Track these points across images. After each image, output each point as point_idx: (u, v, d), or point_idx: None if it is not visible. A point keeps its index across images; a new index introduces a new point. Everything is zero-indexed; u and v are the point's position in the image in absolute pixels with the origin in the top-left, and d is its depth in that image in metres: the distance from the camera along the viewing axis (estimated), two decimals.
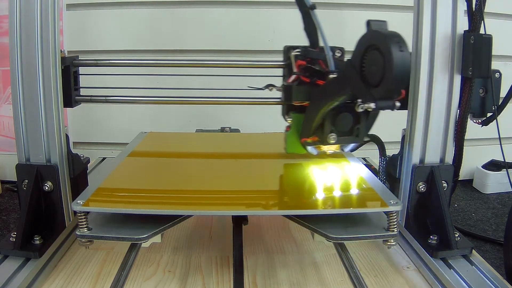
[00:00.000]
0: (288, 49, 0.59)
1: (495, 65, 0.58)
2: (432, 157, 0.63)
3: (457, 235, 0.60)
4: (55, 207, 0.61)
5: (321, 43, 0.53)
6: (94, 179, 0.61)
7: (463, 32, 0.59)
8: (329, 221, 0.52)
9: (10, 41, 0.57)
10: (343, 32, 1.09)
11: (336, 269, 0.61)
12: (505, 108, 0.62)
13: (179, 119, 1.15)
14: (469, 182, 1.20)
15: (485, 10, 0.58)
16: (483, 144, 1.17)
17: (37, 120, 0.59)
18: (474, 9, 0.58)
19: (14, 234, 0.58)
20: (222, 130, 0.88)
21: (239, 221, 0.60)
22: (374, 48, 0.43)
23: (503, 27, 1.10)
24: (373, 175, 0.62)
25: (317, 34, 0.55)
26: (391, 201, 0.52)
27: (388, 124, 0.92)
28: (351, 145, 0.57)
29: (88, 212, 0.50)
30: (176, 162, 0.69)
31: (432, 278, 0.57)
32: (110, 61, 0.66)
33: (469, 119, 0.62)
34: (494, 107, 0.62)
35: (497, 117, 0.62)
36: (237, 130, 0.88)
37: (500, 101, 0.62)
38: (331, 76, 0.52)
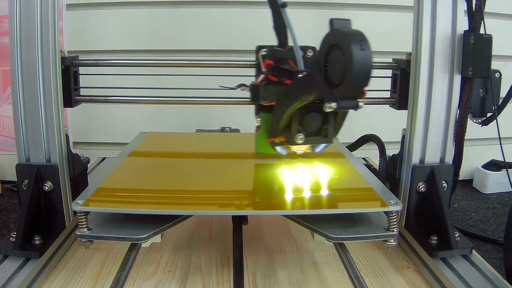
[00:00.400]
0: (259, 49, 0.59)
1: (495, 65, 0.58)
2: (432, 157, 0.63)
3: (457, 235, 0.60)
4: (55, 207, 0.61)
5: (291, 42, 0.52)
6: (94, 179, 0.61)
7: (463, 32, 0.59)
8: (329, 221, 0.52)
9: (10, 41, 0.57)
10: None
11: (336, 269, 0.61)
12: (505, 108, 0.62)
13: (179, 119, 1.15)
14: (469, 182, 1.20)
15: (485, 10, 0.58)
16: (483, 144, 1.17)
17: (37, 120, 0.59)
18: (474, 9, 0.58)
19: (14, 234, 0.58)
20: (222, 130, 0.88)
21: (239, 221, 0.60)
22: (337, 47, 0.42)
23: (503, 27, 1.10)
24: (373, 175, 0.62)
25: (286, 33, 0.55)
26: (391, 201, 0.52)
27: (388, 124, 0.92)
28: (322, 145, 0.56)
29: (88, 212, 0.50)
30: (176, 162, 0.69)
31: (432, 278, 0.58)
32: (110, 61, 0.66)
33: (469, 119, 0.62)
34: (494, 107, 0.62)
35: (497, 117, 0.62)
36: (237, 130, 0.88)
37: (500, 101, 0.62)
38: (299, 75, 0.51)
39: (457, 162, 0.64)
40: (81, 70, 0.67)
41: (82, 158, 0.68)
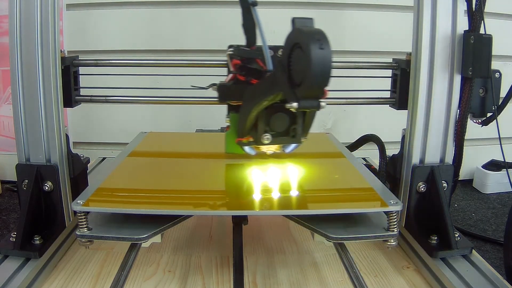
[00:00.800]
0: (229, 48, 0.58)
1: (495, 65, 0.58)
2: (432, 157, 0.63)
3: (457, 235, 0.60)
4: (55, 207, 0.61)
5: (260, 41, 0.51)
6: (94, 179, 0.61)
7: (463, 32, 0.59)
8: (329, 221, 0.52)
9: (10, 41, 0.57)
10: (343, 32, 1.09)
11: (336, 269, 0.61)
12: (505, 108, 0.62)
13: (179, 119, 1.15)
14: (469, 182, 1.20)
15: (485, 10, 0.58)
16: (483, 144, 1.17)
17: (37, 120, 0.59)
18: (474, 9, 0.58)
19: (14, 234, 0.58)
20: (222, 130, 0.87)
21: (239, 221, 0.60)
22: (298, 47, 0.42)
23: (503, 27, 1.10)
24: (373, 175, 0.62)
25: (255, 32, 0.54)
26: (391, 201, 0.52)
27: (388, 124, 0.92)
28: (292, 146, 0.55)
29: (88, 212, 0.50)
30: (176, 162, 0.68)
31: (432, 278, 0.58)
32: (110, 61, 0.66)
33: (469, 119, 0.62)
34: (494, 107, 0.62)
35: (497, 117, 0.62)
36: None
37: (500, 101, 0.62)
38: (266, 75, 0.50)
39: (457, 162, 0.64)
40: (81, 70, 0.67)
41: (82, 158, 0.68)
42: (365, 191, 0.57)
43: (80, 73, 0.66)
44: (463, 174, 1.18)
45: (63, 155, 0.61)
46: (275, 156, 0.62)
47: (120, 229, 0.50)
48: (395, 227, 0.51)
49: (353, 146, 0.82)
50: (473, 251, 0.60)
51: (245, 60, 0.55)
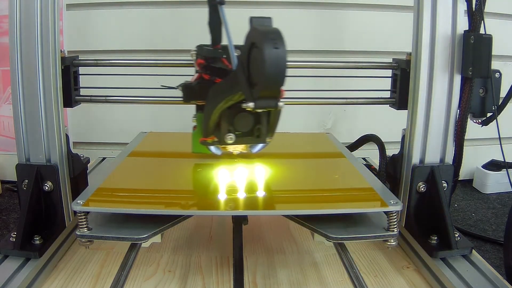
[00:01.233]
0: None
1: (495, 65, 0.58)
2: (432, 157, 0.63)
3: (457, 235, 0.60)
4: (55, 207, 0.61)
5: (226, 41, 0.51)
6: (94, 179, 0.61)
7: (463, 32, 0.59)
8: (329, 221, 0.52)
9: (10, 41, 0.57)
10: (343, 32, 1.09)
11: (336, 269, 0.61)
12: (505, 108, 0.62)
13: (179, 119, 1.15)
14: (469, 182, 1.20)
15: (485, 10, 0.58)
16: (483, 144, 1.17)
17: (37, 120, 0.59)
18: (474, 9, 0.58)
19: (14, 234, 0.58)
20: None
21: (239, 221, 0.59)
22: (255, 46, 0.42)
23: (503, 27, 1.10)
24: (373, 175, 0.62)
25: (221, 31, 0.54)
26: (391, 201, 0.52)
27: (388, 124, 0.92)
28: (259, 146, 0.55)
29: (88, 212, 0.50)
30: (176, 162, 0.68)
31: (432, 278, 0.58)
32: (110, 61, 0.66)
33: (469, 119, 0.62)
34: (494, 107, 0.62)
35: (497, 117, 0.62)
36: None
37: (500, 101, 0.62)
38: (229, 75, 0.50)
39: (457, 162, 0.64)
40: (81, 70, 0.66)
41: (82, 158, 0.68)
42: (365, 191, 0.57)
43: (80, 73, 0.66)
44: (463, 174, 1.18)
45: (63, 155, 0.61)
46: (274, 156, 0.63)
47: (120, 229, 0.50)
48: (395, 227, 0.51)
49: (353, 146, 0.82)
50: (473, 251, 0.60)
51: (210, 60, 0.54)
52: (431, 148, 0.62)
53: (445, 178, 0.62)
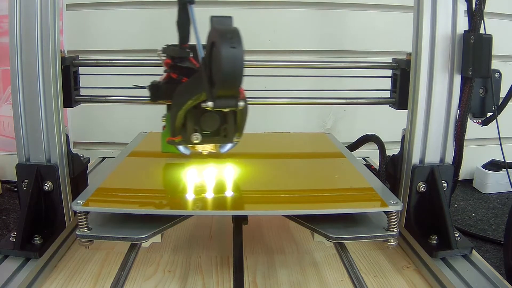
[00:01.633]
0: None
1: (495, 65, 0.58)
2: (432, 157, 0.63)
3: (457, 235, 0.60)
4: (55, 207, 0.61)
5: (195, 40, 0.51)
6: (94, 179, 0.61)
7: (463, 32, 0.59)
8: (329, 221, 0.52)
9: (10, 41, 0.57)
10: (343, 32, 1.09)
11: (336, 269, 0.61)
12: (505, 108, 0.62)
13: None
14: (469, 182, 1.20)
15: (485, 10, 0.58)
16: (483, 144, 1.17)
17: (37, 120, 0.59)
18: (474, 9, 0.58)
19: (14, 234, 0.58)
20: None
21: (239, 221, 0.59)
22: (215, 46, 0.42)
23: (503, 27, 1.10)
24: (373, 175, 0.62)
25: (189, 30, 0.53)
26: (391, 201, 0.52)
27: (388, 124, 0.92)
28: (229, 145, 0.54)
29: (88, 212, 0.50)
30: (176, 162, 0.68)
31: (432, 278, 0.58)
32: (110, 61, 0.66)
33: (469, 119, 0.62)
34: (494, 107, 0.62)
35: (497, 117, 0.62)
36: None
37: (500, 101, 0.62)
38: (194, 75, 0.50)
39: (457, 162, 0.64)
40: (81, 70, 0.66)
41: (82, 158, 0.68)
42: (365, 191, 0.57)
43: (80, 73, 0.66)
44: (463, 174, 1.18)
45: (63, 155, 0.61)
46: (275, 156, 0.63)
47: (120, 229, 0.50)
48: (395, 227, 0.51)
49: (353, 146, 0.82)
50: (473, 251, 0.60)
51: (177, 59, 0.54)
52: (431, 148, 0.62)
53: (445, 178, 0.62)
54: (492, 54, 0.57)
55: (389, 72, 0.70)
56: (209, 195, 0.55)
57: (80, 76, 0.66)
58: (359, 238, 0.51)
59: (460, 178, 0.68)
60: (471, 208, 1.04)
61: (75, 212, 0.50)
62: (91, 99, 0.67)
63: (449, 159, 0.63)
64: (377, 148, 0.72)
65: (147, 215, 0.52)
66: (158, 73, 0.70)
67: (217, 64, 0.40)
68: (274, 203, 0.54)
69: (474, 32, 0.58)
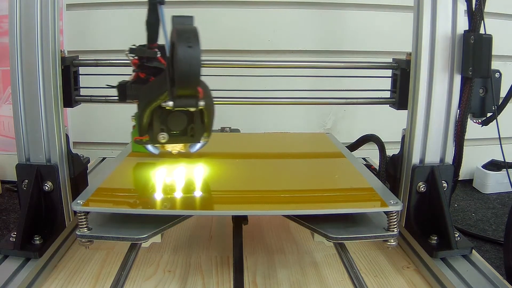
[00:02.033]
0: None
1: (495, 65, 0.58)
2: (432, 157, 0.63)
3: (457, 235, 0.60)
4: (55, 207, 0.61)
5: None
6: (94, 179, 0.61)
7: (463, 32, 0.59)
8: (329, 221, 0.52)
9: (10, 41, 0.57)
10: (343, 32, 1.09)
11: (336, 269, 0.61)
12: (505, 108, 0.62)
13: None
14: (469, 182, 1.20)
15: (485, 10, 0.58)
16: (483, 144, 1.17)
17: (37, 120, 0.59)
18: (474, 9, 0.58)
19: (14, 234, 0.58)
20: (222, 130, 0.87)
21: (239, 221, 0.60)
22: (174, 45, 0.42)
23: (503, 27, 1.10)
24: (373, 175, 0.62)
25: (158, 30, 0.54)
26: (391, 201, 0.52)
27: (388, 124, 0.92)
28: (198, 145, 0.54)
29: (88, 212, 0.50)
30: (176, 162, 0.68)
31: (432, 278, 0.58)
32: (110, 61, 0.66)
33: (469, 119, 0.62)
34: (494, 107, 0.62)
35: (497, 117, 0.62)
36: (237, 130, 0.88)
37: (500, 101, 0.62)
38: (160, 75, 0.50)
39: (457, 162, 0.64)
40: (81, 70, 0.66)
41: (82, 158, 0.68)
42: (365, 191, 0.57)
43: (80, 73, 0.66)
44: (463, 174, 1.18)
45: (63, 155, 0.61)
46: (275, 156, 0.63)
47: (120, 229, 0.50)
48: (395, 227, 0.51)
49: (353, 146, 0.82)
50: (473, 251, 0.60)
51: (144, 59, 0.54)
52: (431, 148, 0.62)
53: (445, 178, 0.62)
54: (492, 54, 0.57)
55: (389, 72, 0.70)
56: (209, 195, 0.55)
57: (80, 76, 0.66)
58: (359, 238, 0.51)
59: (460, 178, 0.68)
60: (471, 208, 1.04)
61: (75, 212, 0.50)
62: (91, 99, 0.66)
63: (449, 159, 0.63)
64: (377, 148, 0.72)
65: (147, 215, 0.52)
66: None
67: (175, 63, 0.40)
68: (274, 203, 0.54)
69: (474, 32, 0.58)
